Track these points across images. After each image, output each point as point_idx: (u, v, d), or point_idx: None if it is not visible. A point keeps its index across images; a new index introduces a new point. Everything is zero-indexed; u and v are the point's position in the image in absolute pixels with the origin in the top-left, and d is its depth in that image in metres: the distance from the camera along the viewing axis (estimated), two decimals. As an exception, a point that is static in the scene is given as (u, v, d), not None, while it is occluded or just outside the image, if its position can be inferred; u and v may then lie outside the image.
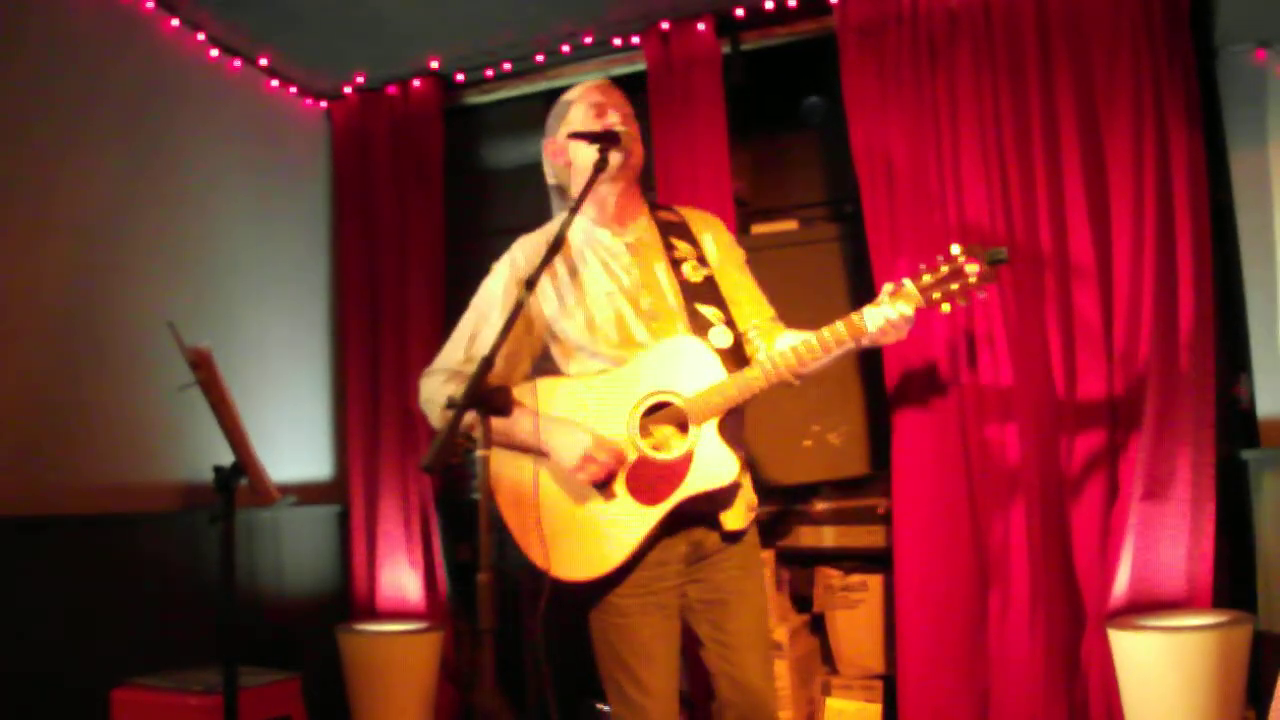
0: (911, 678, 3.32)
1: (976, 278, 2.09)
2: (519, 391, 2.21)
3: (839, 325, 2.16)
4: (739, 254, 2.42)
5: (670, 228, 2.34)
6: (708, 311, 2.22)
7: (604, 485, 2.18)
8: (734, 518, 2.23)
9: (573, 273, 2.30)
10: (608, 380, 2.23)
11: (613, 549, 2.16)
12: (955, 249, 2.13)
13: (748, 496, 2.28)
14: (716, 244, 2.37)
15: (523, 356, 2.34)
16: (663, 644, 2.23)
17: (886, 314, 2.11)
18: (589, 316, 2.27)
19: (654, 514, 2.15)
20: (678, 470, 2.13)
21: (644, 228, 2.33)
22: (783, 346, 2.19)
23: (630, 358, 2.22)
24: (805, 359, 2.16)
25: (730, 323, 2.25)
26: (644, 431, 2.18)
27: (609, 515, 2.17)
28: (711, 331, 2.21)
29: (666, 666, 2.22)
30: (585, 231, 2.34)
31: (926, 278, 2.12)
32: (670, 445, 2.17)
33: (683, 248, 2.29)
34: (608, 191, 2.29)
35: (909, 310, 2.12)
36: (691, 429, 2.14)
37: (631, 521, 2.16)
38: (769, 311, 2.39)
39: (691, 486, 2.14)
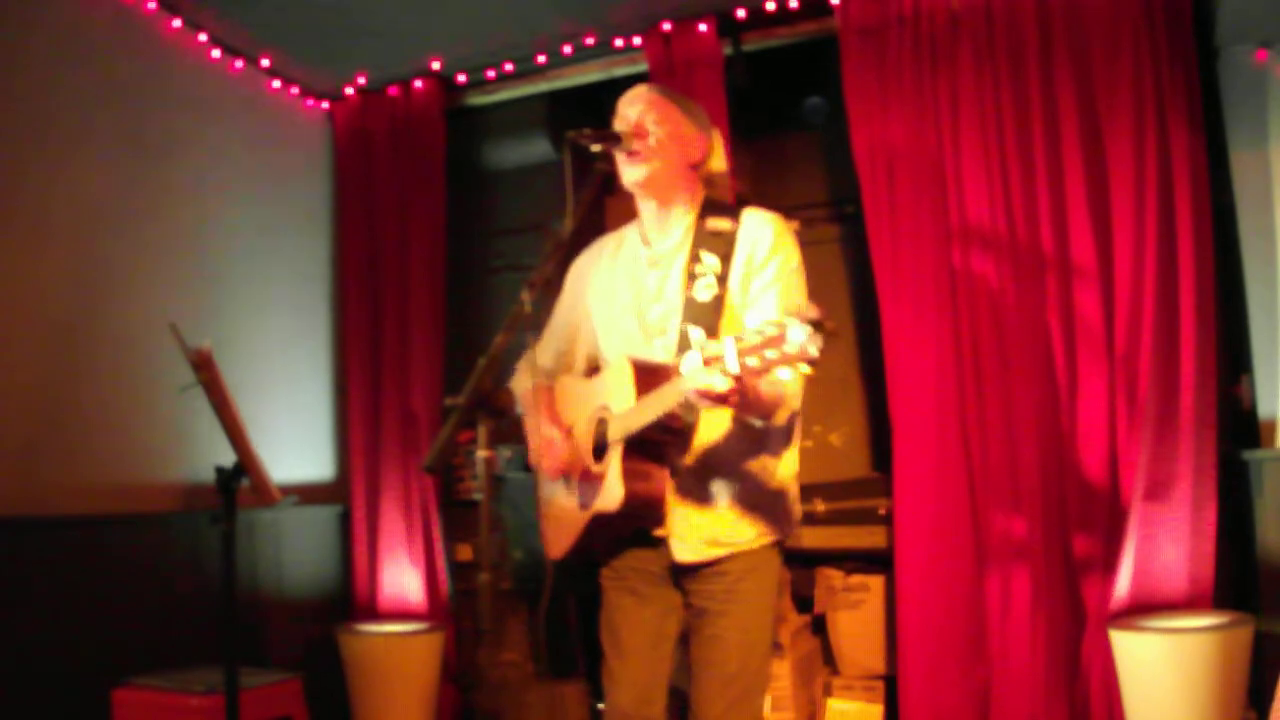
0: (913, 678, 3.32)
1: (797, 347, 1.68)
2: (567, 383, 2.40)
3: (666, 389, 1.98)
4: (777, 264, 2.19)
5: (708, 239, 2.22)
6: (694, 334, 2.16)
7: (568, 479, 2.30)
8: (685, 549, 2.15)
9: (612, 277, 2.34)
10: (589, 387, 2.29)
11: (560, 540, 2.30)
12: (784, 318, 1.72)
13: (712, 534, 2.16)
14: (749, 258, 2.19)
15: (575, 354, 2.45)
16: (634, 632, 2.23)
17: (697, 382, 1.84)
18: (607, 323, 2.32)
19: (581, 519, 2.20)
20: (599, 486, 2.16)
21: (680, 237, 2.26)
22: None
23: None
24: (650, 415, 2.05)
25: None
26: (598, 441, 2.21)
27: (567, 509, 2.29)
28: (687, 354, 2.06)
29: (639, 655, 2.22)
30: (630, 238, 2.36)
31: (749, 341, 1.76)
32: (605, 460, 2.18)
33: (707, 262, 2.20)
34: (637, 201, 2.30)
35: (716, 386, 1.81)
36: (609, 450, 2.14)
37: (572, 520, 2.25)
38: None
39: (596, 505, 2.16)
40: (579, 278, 2.43)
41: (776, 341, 1.69)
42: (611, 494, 2.10)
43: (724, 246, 2.21)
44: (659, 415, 2.00)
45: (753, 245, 2.19)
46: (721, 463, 2.17)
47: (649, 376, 2.09)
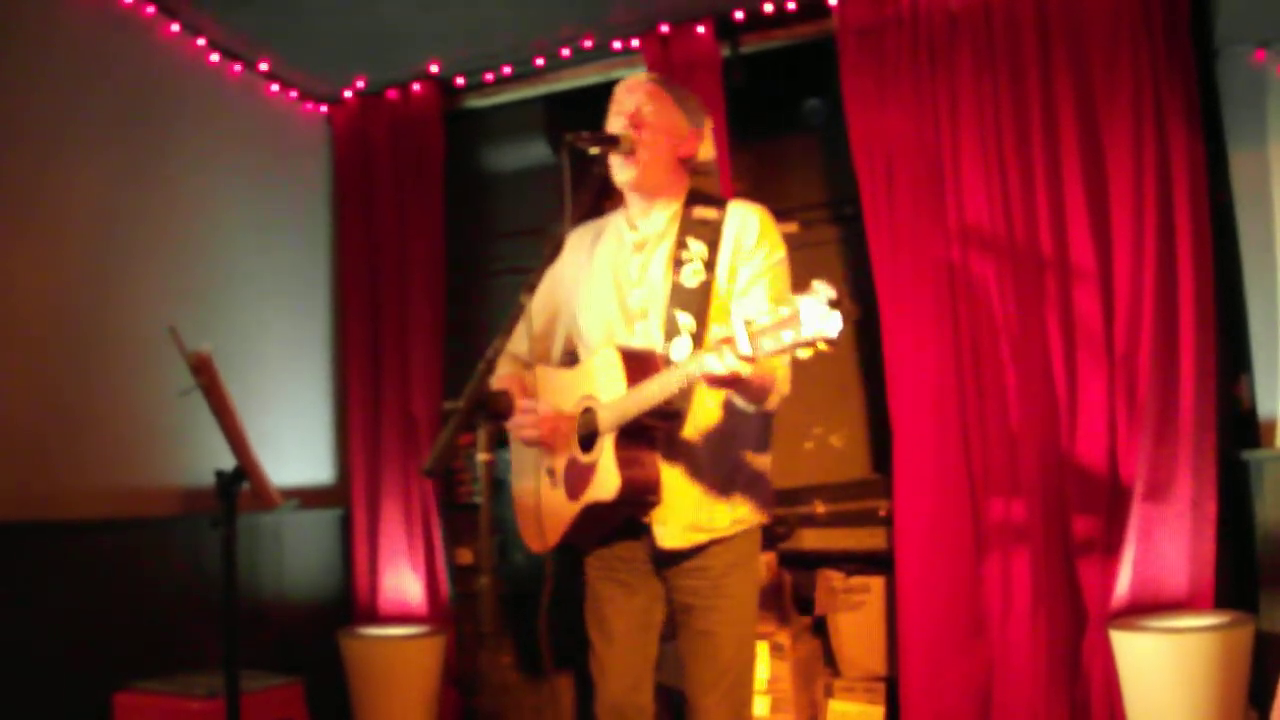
0: (913, 679, 3.32)
1: (814, 327, 1.67)
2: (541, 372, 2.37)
3: (668, 373, 1.99)
4: (764, 255, 2.20)
5: (694, 226, 2.25)
6: (683, 320, 2.17)
7: (552, 472, 2.27)
8: (668, 535, 2.15)
9: (591, 262, 2.34)
10: (568, 377, 2.28)
11: (546, 532, 2.27)
12: (798, 299, 1.72)
13: (694, 518, 2.16)
14: (737, 245, 2.21)
15: (553, 336, 2.43)
16: (622, 620, 2.24)
17: (706, 365, 1.86)
18: (586, 307, 2.31)
19: (571, 509, 2.20)
20: (588, 476, 2.15)
21: (664, 224, 2.27)
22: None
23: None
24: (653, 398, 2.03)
25: (699, 336, 2.17)
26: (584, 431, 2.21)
27: (552, 500, 2.26)
28: (676, 340, 2.15)
29: (627, 643, 2.24)
30: (615, 223, 2.36)
31: (761, 323, 1.75)
32: (596, 449, 2.17)
33: (694, 249, 2.22)
34: (625, 190, 2.29)
35: (734, 365, 1.81)
36: (600, 440, 2.14)
37: (560, 511, 2.23)
38: None
39: (589, 495, 2.15)
40: (561, 259, 2.35)
41: (791, 322, 1.68)
42: (607, 483, 2.09)
43: (710, 234, 2.23)
44: (659, 400, 1.99)
45: (739, 234, 2.22)
46: (706, 447, 2.18)
47: (638, 364, 2.10)
